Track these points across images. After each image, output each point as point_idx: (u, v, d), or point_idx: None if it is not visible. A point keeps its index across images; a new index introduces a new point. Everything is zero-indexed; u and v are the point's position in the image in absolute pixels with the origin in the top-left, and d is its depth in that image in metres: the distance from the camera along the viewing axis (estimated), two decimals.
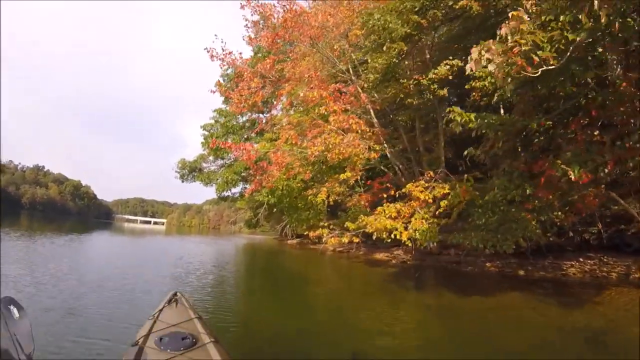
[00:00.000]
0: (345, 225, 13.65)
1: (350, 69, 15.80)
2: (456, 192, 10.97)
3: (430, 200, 11.55)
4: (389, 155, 15.62)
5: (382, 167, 16.50)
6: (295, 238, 34.38)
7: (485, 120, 8.59)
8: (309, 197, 23.27)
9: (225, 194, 35.06)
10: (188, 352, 2.71)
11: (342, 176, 12.61)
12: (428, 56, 14.48)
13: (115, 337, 4.98)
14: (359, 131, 12.13)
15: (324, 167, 19.67)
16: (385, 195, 14.30)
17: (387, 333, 6.61)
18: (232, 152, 14.11)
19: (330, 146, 11.62)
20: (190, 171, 33.15)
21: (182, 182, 33.92)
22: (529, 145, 10.42)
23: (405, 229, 11.45)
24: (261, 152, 15.43)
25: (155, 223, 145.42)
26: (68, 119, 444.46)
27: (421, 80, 12.32)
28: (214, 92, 15.06)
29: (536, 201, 9.43)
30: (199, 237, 50.51)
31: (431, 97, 12.97)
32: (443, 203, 11.08)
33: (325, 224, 18.42)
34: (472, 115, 8.09)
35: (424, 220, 11.48)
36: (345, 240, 14.38)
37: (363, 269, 16.02)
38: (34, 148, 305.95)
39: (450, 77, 12.20)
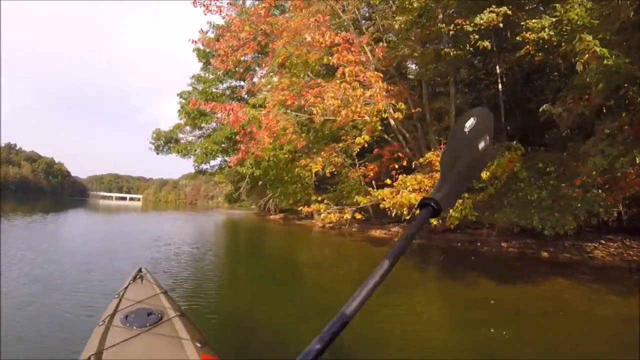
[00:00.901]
0: (354, 200, 11.36)
1: (359, 17, 13.36)
2: (500, 162, 8.86)
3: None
4: (392, 122, 13.35)
5: (385, 136, 14.24)
6: (279, 213, 31.98)
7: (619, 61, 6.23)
8: (297, 170, 21.12)
9: (204, 166, 32.42)
10: (154, 327, 2.53)
11: (359, 140, 10.14)
12: None
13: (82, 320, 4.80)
14: (379, 87, 9.61)
15: (319, 134, 17.47)
16: (396, 167, 12.15)
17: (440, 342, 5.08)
18: (217, 114, 11.40)
19: (351, 99, 9.15)
20: (166, 142, 30.31)
21: (157, 153, 31.06)
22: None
23: None
24: (250, 115, 12.91)
25: (131, 199, 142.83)
26: (41, 98, 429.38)
27: (465, 26, 10.00)
28: (196, 42, 12.27)
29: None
30: (176, 213, 47.44)
31: (470, 49, 10.67)
32: (483, 174, 8.91)
33: (318, 198, 16.19)
34: (606, 51, 5.85)
35: None
36: (347, 216, 12.23)
37: (365, 248, 13.92)
38: (5, 126, 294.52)
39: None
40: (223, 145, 25.51)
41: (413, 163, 11.67)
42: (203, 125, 28.95)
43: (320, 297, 7.01)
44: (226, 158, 30.59)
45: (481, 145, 0.87)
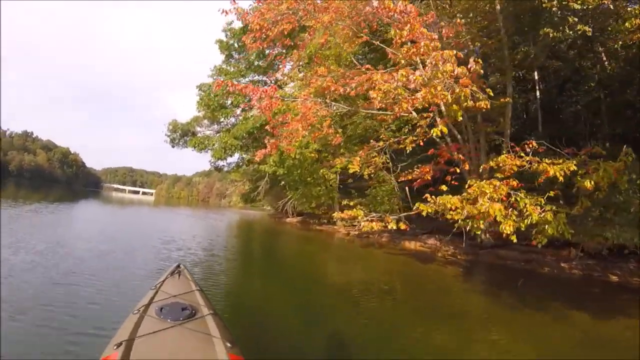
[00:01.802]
0: (415, 207, 9.25)
1: None
2: (607, 170, 6.82)
3: (561, 178, 7.36)
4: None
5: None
6: (296, 216, 29.82)
7: None
8: (322, 171, 19.09)
9: (220, 163, 30.42)
10: (187, 322, 2.59)
11: (435, 131, 7.96)
12: None
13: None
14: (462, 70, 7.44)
15: (351, 131, 15.54)
16: (457, 170, 10.17)
17: None
18: (247, 99, 9.47)
19: (440, 75, 7.03)
20: (182, 135, 28.24)
21: (173, 147, 28.92)
22: None
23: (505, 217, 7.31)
24: (283, 104, 10.87)
25: (144, 193, 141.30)
26: (59, 88, 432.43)
27: (571, 3, 7.97)
28: (227, 12, 10.23)
29: None
30: (188, 209, 45.57)
31: (571, 33, 8.63)
32: (586, 183, 6.83)
33: (350, 203, 14.13)
34: None
35: (537, 207, 7.36)
36: (392, 226, 10.18)
37: (411, 265, 11.88)
38: (23, 113, 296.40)
39: None
40: (243, 141, 23.48)
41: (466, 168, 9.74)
42: (222, 119, 27.01)
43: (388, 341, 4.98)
44: (244, 155, 28.58)
45: None
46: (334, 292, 7.61)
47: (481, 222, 7.43)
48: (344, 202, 15.60)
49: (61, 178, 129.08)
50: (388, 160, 13.31)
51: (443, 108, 10.50)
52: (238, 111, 26.40)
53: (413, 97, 7.42)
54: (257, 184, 28.53)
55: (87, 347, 3.74)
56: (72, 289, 5.61)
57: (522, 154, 8.63)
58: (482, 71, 7.26)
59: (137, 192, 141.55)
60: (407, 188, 18.09)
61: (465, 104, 7.27)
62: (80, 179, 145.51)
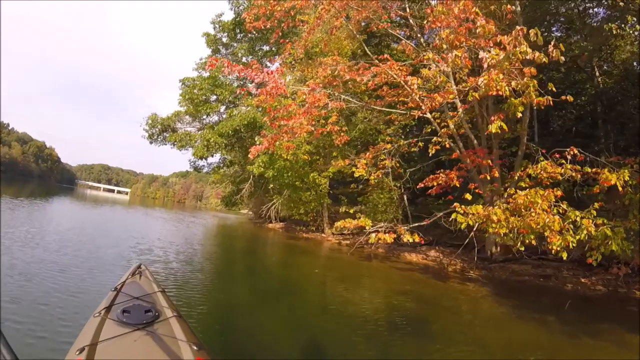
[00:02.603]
0: (452, 217, 7.86)
1: None
2: None
3: (621, 189, 6.14)
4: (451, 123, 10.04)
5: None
6: (279, 222, 28.05)
7: None
8: (312, 175, 17.71)
9: (200, 163, 28.68)
10: (150, 325, 2.43)
11: (493, 126, 6.44)
12: None
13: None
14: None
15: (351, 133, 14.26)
16: (488, 177, 8.93)
17: None
18: (250, 77, 7.81)
19: (512, 55, 5.67)
20: (162, 130, 26.07)
21: (151, 143, 26.51)
22: None
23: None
24: (289, 88, 9.43)
25: (119, 192, 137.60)
26: (36, 81, 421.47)
27: None
28: None
29: None
30: (163, 211, 42.89)
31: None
32: None
33: (350, 211, 12.75)
34: None
35: (589, 221, 6.13)
36: (407, 238, 8.86)
37: (422, 282, 10.34)
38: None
39: None
40: (228, 139, 21.80)
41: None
42: (204, 117, 25.32)
43: None
44: (226, 156, 26.88)
45: None
46: (343, 322, 6.03)
47: (532, 236, 6.11)
48: (343, 209, 14.23)
49: (35, 172, 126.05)
50: (398, 164, 11.94)
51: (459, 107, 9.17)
52: (222, 108, 24.84)
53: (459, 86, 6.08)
54: (241, 186, 26.72)
55: (45, 351, 3.50)
56: (26, 288, 5.26)
57: (563, 162, 7.43)
58: (562, 58, 5.89)
59: (112, 191, 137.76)
60: (404, 196, 16.86)
61: (530, 98, 5.95)
62: (55, 174, 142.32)
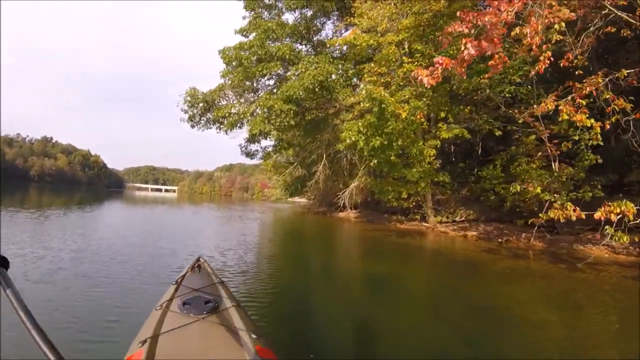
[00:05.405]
0: None
1: None
2: None
3: None
4: None
5: None
6: (351, 210, 21.81)
7: None
8: (418, 145, 12.60)
9: (253, 148, 23.98)
10: (211, 315, 2.40)
11: None
12: None
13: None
14: None
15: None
16: None
17: None
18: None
19: None
20: (204, 110, 21.15)
21: (192, 127, 21.86)
22: None
23: None
24: None
25: (166, 191, 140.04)
26: (75, 91, 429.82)
27: None
28: None
29: None
30: (213, 206, 38.59)
31: None
32: None
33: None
34: None
35: None
36: None
37: None
38: (42, 120, 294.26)
39: None
40: (301, 104, 16.85)
41: None
42: (260, 80, 20.39)
43: None
44: (283, 137, 21.71)
45: None
46: None
47: None
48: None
49: (82, 180, 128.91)
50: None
51: None
52: (280, 71, 19.61)
53: None
54: (313, 168, 20.98)
55: (111, 345, 3.47)
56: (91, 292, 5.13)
57: None
58: None
59: (159, 190, 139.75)
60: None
61: None
62: (103, 179, 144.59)
